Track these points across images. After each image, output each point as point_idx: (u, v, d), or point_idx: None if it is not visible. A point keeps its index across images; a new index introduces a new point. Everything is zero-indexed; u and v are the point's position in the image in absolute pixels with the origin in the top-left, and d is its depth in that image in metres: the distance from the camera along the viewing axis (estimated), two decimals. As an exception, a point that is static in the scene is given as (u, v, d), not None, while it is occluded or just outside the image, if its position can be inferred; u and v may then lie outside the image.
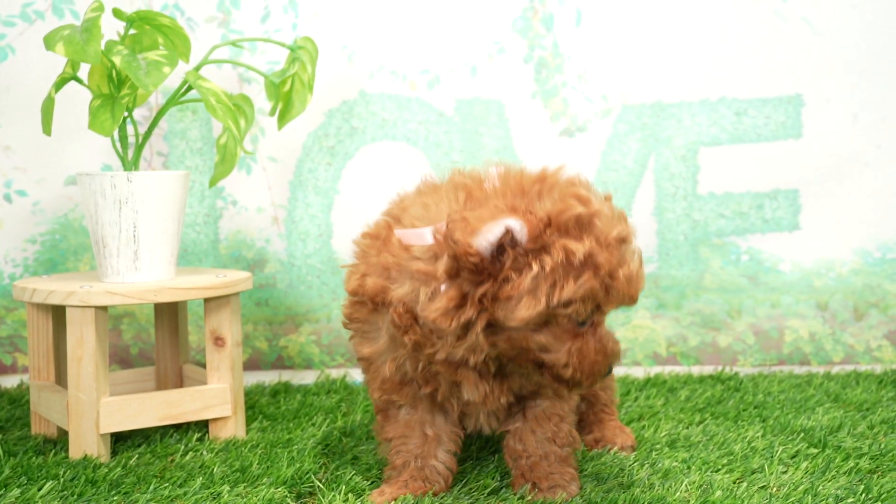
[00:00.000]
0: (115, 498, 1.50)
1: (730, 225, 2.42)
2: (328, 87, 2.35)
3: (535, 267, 1.26)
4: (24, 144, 2.29)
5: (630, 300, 1.34)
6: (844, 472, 1.60)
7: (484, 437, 1.72)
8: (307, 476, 1.59)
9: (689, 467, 1.63)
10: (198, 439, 1.83)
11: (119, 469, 1.64)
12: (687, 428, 1.87)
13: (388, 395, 1.51)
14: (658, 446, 1.76)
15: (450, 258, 1.28)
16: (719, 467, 1.63)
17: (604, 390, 1.79)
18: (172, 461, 1.71)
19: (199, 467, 1.65)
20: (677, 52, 2.38)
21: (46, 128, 1.84)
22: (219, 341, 1.85)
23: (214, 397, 1.84)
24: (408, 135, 2.37)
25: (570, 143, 2.39)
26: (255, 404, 2.08)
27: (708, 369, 2.38)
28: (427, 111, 2.37)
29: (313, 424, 1.92)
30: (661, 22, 2.38)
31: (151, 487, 1.54)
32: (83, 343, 1.72)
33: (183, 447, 1.77)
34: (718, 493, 1.49)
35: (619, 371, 2.37)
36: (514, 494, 1.50)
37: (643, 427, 1.88)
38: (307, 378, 2.33)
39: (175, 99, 1.91)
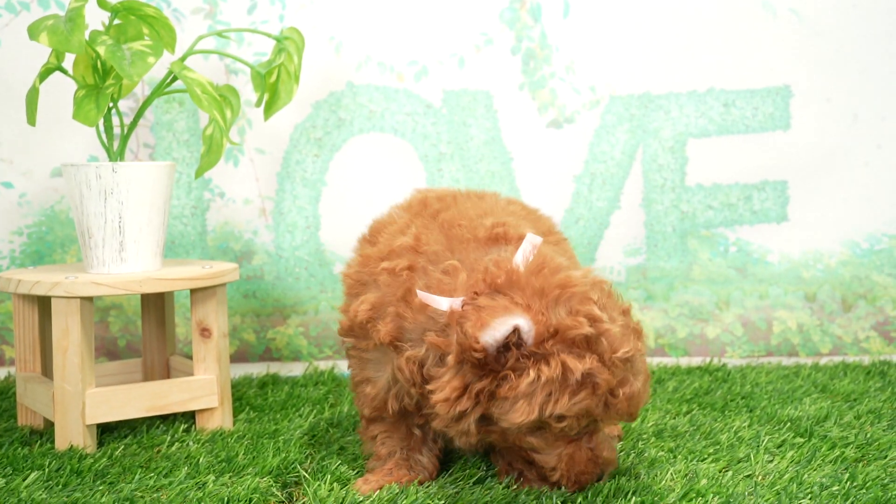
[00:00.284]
0: (101, 488, 1.50)
1: (718, 216, 2.42)
2: (315, 79, 2.34)
3: (533, 373, 1.27)
4: (9, 136, 2.29)
5: (629, 417, 1.35)
6: (830, 461, 1.60)
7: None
8: (293, 466, 1.59)
9: (675, 456, 1.63)
10: (184, 430, 1.82)
11: (105, 459, 1.64)
12: (674, 418, 1.87)
13: (379, 412, 1.52)
14: (644, 436, 1.76)
15: (457, 344, 1.30)
16: (705, 456, 1.63)
17: None
18: (158, 452, 1.70)
19: (185, 458, 1.65)
20: (665, 43, 2.38)
21: (31, 118, 1.83)
22: (205, 332, 1.85)
23: (201, 388, 1.83)
24: (395, 126, 2.37)
25: (558, 134, 2.39)
26: (243, 396, 2.07)
27: (696, 361, 2.39)
28: (415, 103, 2.37)
29: (300, 415, 1.92)
30: (650, 13, 2.38)
31: (136, 477, 1.54)
32: (68, 334, 1.72)
33: (169, 438, 1.77)
34: (704, 481, 1.49)
35: (607, 362, 2.37)
36: (500, 483, 1.50)
37: (630, 417, 1.88)
38: (295, 370, 2.33)
39: (160, 90, 1.90)
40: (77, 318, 1.72)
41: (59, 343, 1.72)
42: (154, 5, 1.97)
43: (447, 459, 1.61)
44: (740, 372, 2.23)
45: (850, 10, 2.38)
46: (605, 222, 2.41)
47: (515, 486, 1.48)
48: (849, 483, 1.48)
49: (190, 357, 2.18)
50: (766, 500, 1.41)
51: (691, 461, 1.60)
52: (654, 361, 2.37)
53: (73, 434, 1.72)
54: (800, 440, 1.71)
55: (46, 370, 1.90)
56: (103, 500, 1.43)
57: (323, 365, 2.34)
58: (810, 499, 1.42)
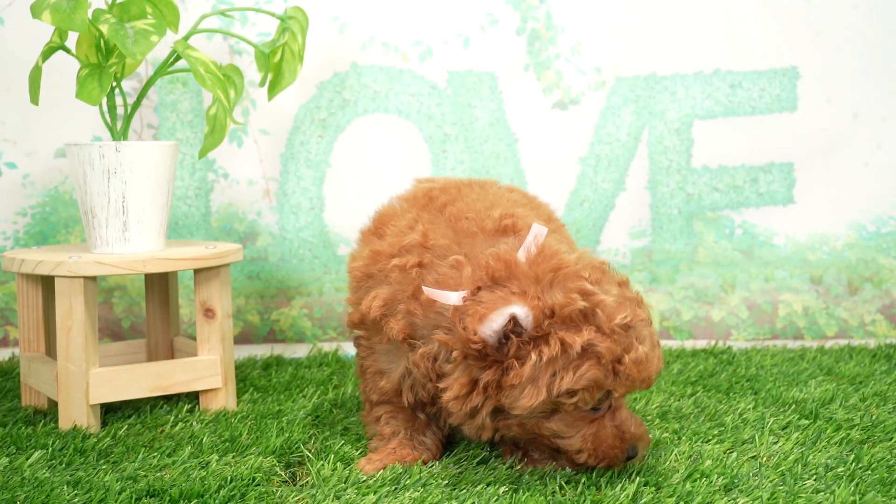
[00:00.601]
0: (104, 467, 1.50)
1: (724, 198, 2.41)
2: (319, 60, 2.33)
3: (534, 356, 1.29)
4: (13, 117, 2.28)
5: (643, 384, 1.36)
6: (835, 443, 1.59)
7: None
8: (296, 446, 1.59)
9: (679, 438, 1.62)
10: (188, 410, 1.82)
11: (108, 439, 1.64)
12: (678, 400, 1.87)
13: (388, 396, 1.54)
14: (649, 418, 1.75)
15: (459, 340, 1.31)
16: (710, 438, 1.62)
17: None
18: (162, 431, 1.70)
19: (189, 437, 1.65)
20: (671, 24, 2.37)
21: (34, 97, 1.83)
22: (209, 313, 1.85)
23: (205, 369, 1.83)
24: (400, 107, 2.36)
25: (563, 115, 2.38)
26: (247, 377, 2.07)
27: (701, 343, 2.38)
28: (419, 83, 2.36)
29: (304, 396, 1.91)
30: (656, -6, 2.37)
31: (140, 456, 1.54)
32: (72, 313, 1.71)
33: (173, 418, 1.77)
34: (708, 462, 1.48)
35: (611, 345, 2.36)
36: (504, 464, 1.50)
37: (634, 399, 1.87)
38: (299, 352, 2.33)
39: (163, 69, 1.89)
40: (80, 298, 1.71)
41: (62, 323, 1.72)
42: (157, -16, 1.96)
43: (451, 440, 1.61)
44: (745, 355, 2.23)
45: (858, -10, 2.37)
46: (611, 204, 2.40)
47: (519, 467, 1.48)
48: (854, 464, 1.48)
49: (194, 338, 2.18)
50: (771, 481, 1.41)
51: (696, 442, 1.60)
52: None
53: (76, 414, 1.71)
54: (805, 422, 1.70)
55: (50, 350, 1.90)
56: (107, 478, 1.43)
57: (327, 346, 2.34)
58: (815, 479, 1.42)
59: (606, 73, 2.38)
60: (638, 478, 1.41)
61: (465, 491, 1.38)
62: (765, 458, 1.52)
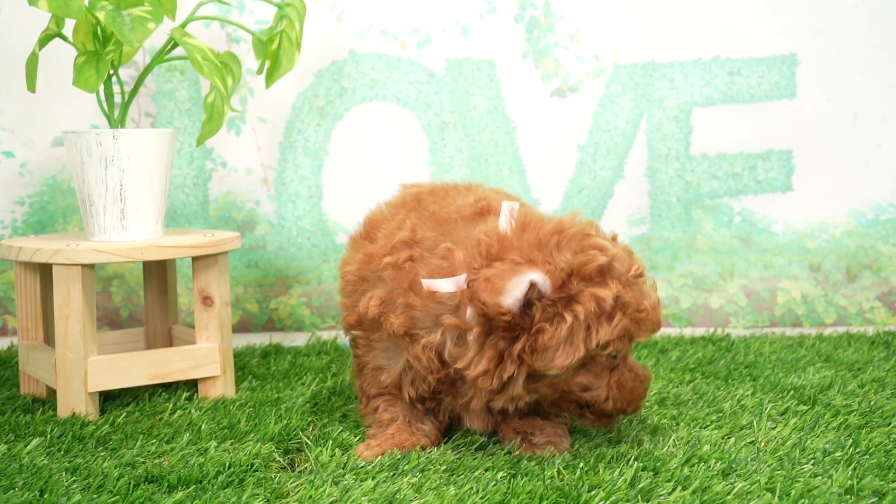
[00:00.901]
0: (102, 454, 1.50)
1: (722, 186, 2.41)
2: (317, 48, 2.33)
3: (570, 317, 1.32)
4: (10, 105, 2.28)
5: (657, 326, 1.42)
6: (833, 428, 1.59)
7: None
8: (295, 433, 1.59)
9: (677, 424, 1.62)
10: (187, 398, 1.82)
11: (107, 426, 1.64)
12: (677, 387, 1.87)
13: (387, 389, 1.54)
14: (647, 404, 1.75)
15: (480, 317, 1.33)
16: (708, 424, 1.62)
17: None
18: (160, 419, 1.70)
19: (188, 425, 1.65)
20: (670, 11, 2.36)
21: (31, 85, 1.82)
22: (207, 301, 1.85)
23: (203, 356, 1.83)
24: (398, 95, 2.36)
25: (562, 103, 2.37)
26: (246, 365, 2.07)
27: (700, 331, 2.38)
28: (417, 71, 2.35)
29: (303, 384, 1.91)
30: (654, -19, 2.36)
31: (138, 444, 1.54)
32: (70, 301, 1.71)
33: (171, 406, 1.77)
34: (706, 447, 1.49)
35: (610, 332, 2.36)
36: (503, 449, 1.50)
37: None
38: (298, 340, 2.33)
39: (161, 56, 1.89)
40: (78, 286, 1.71)
41: (60, 311, 1.72)
42: (154, -28, 1.95)
43: (449, 427, 1.61)
44: (744, 342, 2.23)
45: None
46: (609, 192, 2.40)
47: (518, 452, 1.48)
48: (852, 449, 1.48)
49: (192, 326, 2.18)
50: (769, 466, 1.41)
51: (694, 428, 1.60)
52: (658, 332, 2.36)
53: (74, 401, 1.71)
54: (803, 408, 1.71)
55: (48, 338, 1.90)
56: (105, 465, 1.43)
57: (325, 335, 2.34)
58: (813, 464, 1.42)
59: (605, 61, 2.37)
60: (636, 463, 1.41)
61: (463, 476, 1.38)
62: (763, 444, 1.52)
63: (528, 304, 1.33)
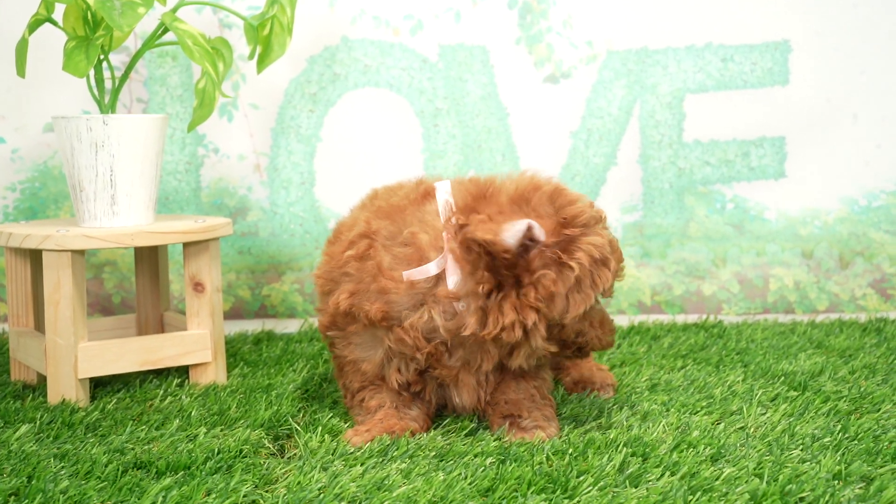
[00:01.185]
0: (91, 440, 1.50)
1: (715, 173, 2.40)
2: (310, 33, 2.32)
3: (576, 266, 1.37)
4: (2, 91, 2.27)
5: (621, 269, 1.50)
6: (823, 414, 1.60)
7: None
8: (285, 419, 1.59)
9: (667, 409, 1.63)
10: (178, 385, 1.82)
11: (97, 413, 1.64)
12: (668, 373, 1.87)
13: (370, 381, 1.55)
14: (638, 390, 1.76)
15: (480, 257, 1.35)
16: (698, 409, 1.63)
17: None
18: (151, 405, 1.70)
19: (178, 411, 1.65)
20: (663, -3, 2.36)
21: (20, 70, 1.82)
22: (198, 287, 1.84)
23: (194, 343, 1.83)
24: (391, 81, 2.35)
25: (555, 89, 2.37)
26: (237, 352, 2.07)
27: (692, 318, 2.38)
28: (410, 57, 2.35)
29: (294, 370, 1.91)
30: (648, -34, 2.36)
31: (128, 430, 1.54)
32: (60, 287, 1.71)
33: (162, 392, 1.77)
34: (696, 433, 1.49)
35: (603, 319, 2.37)
36: (492, 435, 1.50)
37: (624, 373, 1.88)
38: (290, 327, 2.33)
39: (151, 42, 1.88)
40: (69, 272, 1.71)
41: (50, 297, 1.71)
42: (144, -44, 1.94)
43: (438, 413, 1.61)
44: (736, 329, 2.23)
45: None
46: (602, 179, 2.39)
47: (507, 438, 1.48)
48: (841, 434, 1.48)
49: (184, 313, 2.18)
50: (758, 451, 1.41)
51: (684, 414, 1.60)
52: (651, 319, 2.37)
53: (65, 388, 1.71)
54: (793, 394, 1.71)
55: (39, 325, 1.90)
56: (94, 451, 1.43)
57: (317, 322, 2.34)
58: (802, 450, 1.42)
59: (598, 47, 2.36)
60: (625, 448, 1.41)
61: (452, 462, 1.38)
62: (752, 429, 1.53)
63: (524, 248, 1.35)
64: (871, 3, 2.36)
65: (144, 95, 2.31)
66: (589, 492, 1.28)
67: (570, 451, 1.41)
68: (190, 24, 1.98)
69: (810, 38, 2.37)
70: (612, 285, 1.43)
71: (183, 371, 1.90)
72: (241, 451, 1.44)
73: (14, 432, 1.52)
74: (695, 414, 1.60)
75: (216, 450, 1.43)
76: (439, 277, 1.40)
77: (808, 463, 1.37)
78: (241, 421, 1.58)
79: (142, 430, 1.54)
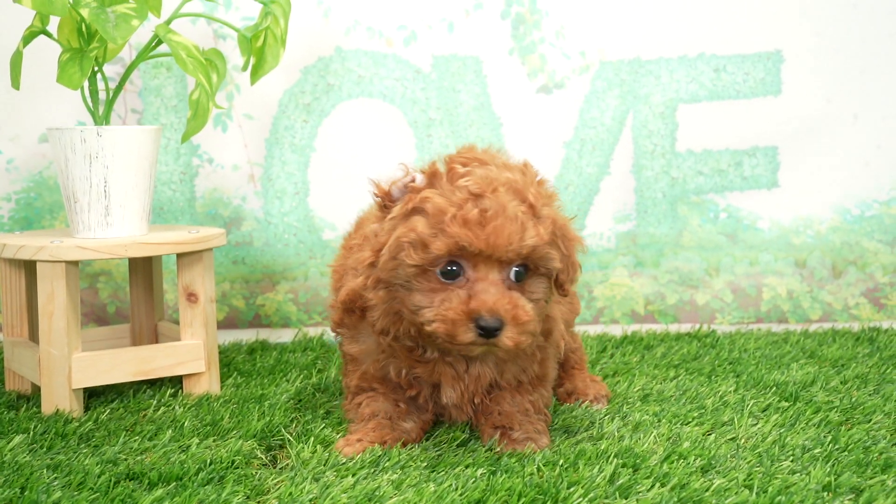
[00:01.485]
0: (85, 450, 1.50)
1: (708, 182, 2.41)
2: (304, 44, 2.33)
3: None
4: (-3, 102, 2.28)
5: None
6: (814, 425, 1.60)
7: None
8: (278, 429, 1.59)
9: (659, 420, 1.63)
10: (171, 395, 1.82)
11: (90, 423, 1.64)
12: (661, 383, 1.88)
13: (369, 383, 1.56)
14: (630, 400, 1.76)
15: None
16: (689, 420, 1.63)
17: (573, 352, 1.80)
18: (144, 416, 1.70)
19: (171, 421, 1.65)
20: (656, 8, 2.37)
21: (15, 82, 1.82)
22: (192, 297, 1.85)
23: (188, 353, 1.83)
24: (384, 92, 2.36)
25: (548, 99, 2.38)
26: (231, 362, 2.07)
27: (685, 327, 2.39)
28: (404, 68, 2.35)
29: (287, 380, 1.92)
30: (641, -23, 2.37)
31: (121, 440, 1.54)
32: (54, 298, 1.72)
33: (156, 402, 1.77)
34: (686, 444, 1.49)
35: (596, 329, 2.37)
36: (483, 446, 1.50)
37: (617, 382, 1.88)
38: (284, 336, 2.33)
39: (145, 53, 1.89)
40: (62, 283, 1.71)
41: (44, 307, 1.72)
42: (139, -32, 1.95)
43: (434, 423, 1.61)
44: (729, 338, 2.23)
45: (842, -26, 2.37)
46: (595, 188, 2.40)
47: (498, 449, 1.49)
48: (831, 445, 1.49)
49: (178, 323, 2.18)
50: (748, 462, 1.42)
51: (675, 425, 1.60)
52: (644, 328, 2.37)
53: (59, 398, 1.72)
54: (785, 404, 1.71)
55: (33, 335, 1.90)
56: (87, 462, 1.43)
57: (312, 331, 2.35)
58: (792, 461, 1.43)
59: (591, 58, 2.37)
60: (616, 459, 1.42)
61: (443, 473, 1.39)
62: (743, 440, 1.53)
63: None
64: (861, 10, 2.37)
65: (139, 106, 2.32)
66: (579, 503, 1.28)
67: (561, 462, 1.41)
68: (184, 35, 1.99)
69: (803, 49, 2.38)
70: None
71: (177, 381, 1.90)
72: (233, 461, 1.44)
73: (7, 443, 1.53)
74: (686, 424, 1.61)
75: (208, 461, 1.43)
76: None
77: (799, 474, 1.37)
78: (234, 431, 1.58)
79: (135, 441, 1.54)
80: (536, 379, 1.56)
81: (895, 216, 2.41)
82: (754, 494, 1.30)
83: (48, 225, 2.31)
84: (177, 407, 1.74)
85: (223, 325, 2.37)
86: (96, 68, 1.85)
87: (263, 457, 1.49)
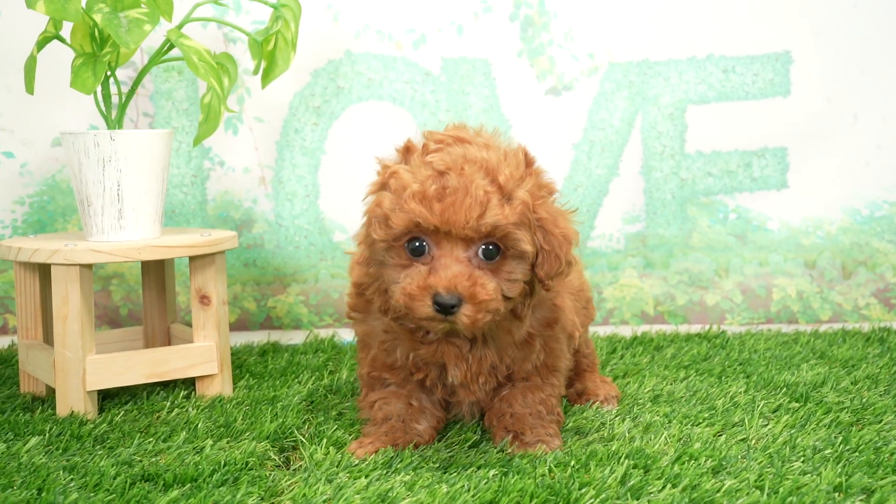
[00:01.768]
0: (100, 452, 1.51)
1: (717, 183, 2.42)
2: (314, 47, 2.34)
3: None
4: (10, 106, 2.29)
5: None
6: (824, 425, 1.61)
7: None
8: (290, 431, 1.61)
9: (670, 421, 1.64)
10: (184, 397, 1.84)
11: (105, 425, 1.65)
12: (671, 384, 1.88)
13: (379, 372, 1.56)
14: (641, 401, 1.77)
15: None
16: (700, 421, 1.64)
17: (586, 356, 1.80)
18: (158, 417, 1.72)
19: (184, 423, 1.66)
20: (664, 9, 2.37)
21: (29, 87, 1.84)
22: (204, 300, 1.86)
23: (200, 355, 1.85)
24: (394, 94, 2.37)
25: (557, 101, 2.38)
26: (243, 363, 2.09)
27: (695, 328, 2.39)
28: (413, 71, 2.37)
29: (299, 382, 1.93)
30: (649, -21, 2.37)
31: (135, 442, 1.56)
32: (68, 301, 1.73)
33: (169, 404, 1.78)
34: (697, 445, 1.50)
35: (606, 330, 2.38)
36: (495, 448, 1.51)
37: (627, 383, 1.89)
38: (296, 338, 2.34)
39: (157, 58, 1.90)
40: (77, 286, 1.73)
41: (59, 310, 1.73)
42: (151, -27, 1.96)
43: (443, 425, 1.62)
44: (739, 339, 2.24)
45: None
46: (605, 190, 2.41)
47: (510, 450, 1.50)
48: (842, 446, 1.49)
49: (191, 325, 2.20)
50: (759, 463, 1.42)
51: (686, 426, 1.61)
52: (654, 329, 2.38)
53: (73, 400, 1.73)
54: (795, 405, 1.72)
55: (48, 338, 1.92)
56: (102, 463, 1.45)
57: (323, 333, 2.36)
58: (802, 461, 1.43)
59: (599, 59, 2.38)
60: (627, 461, 1.42)
61: (455, 474, 1.40)
62: (754, 441, 1.54)
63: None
64: (873, 11, 2.37)
65: (150, 109, 2.34)
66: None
67: (573, 463, 1.42)
68: (195, 39, 2.00)
69: (812, 50, 2.38)
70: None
71: (189, 383, 1.92)
72: (247, 463, 1.45)
73: (24, 444, 1.54)
74: (697, 425, 1.62)
75: (222, 462, 1.45)
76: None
77: (809, 475, 1.38)
78: (247, 433, 1.60)
79: (149, 443, 1.55)
80: (545, 368, 1.55)
81: (905, 216, 2.41)
82: (765, 495, 1.30)
83: (61, 228, 2.32)
84: (190, 409, 1.76)
85: (234, 327, 2.38)
86: (109, 73, 1.86)
87: (277, 458, 1.50)
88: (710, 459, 1.44)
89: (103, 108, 1.88)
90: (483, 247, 1.35)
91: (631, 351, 2.15)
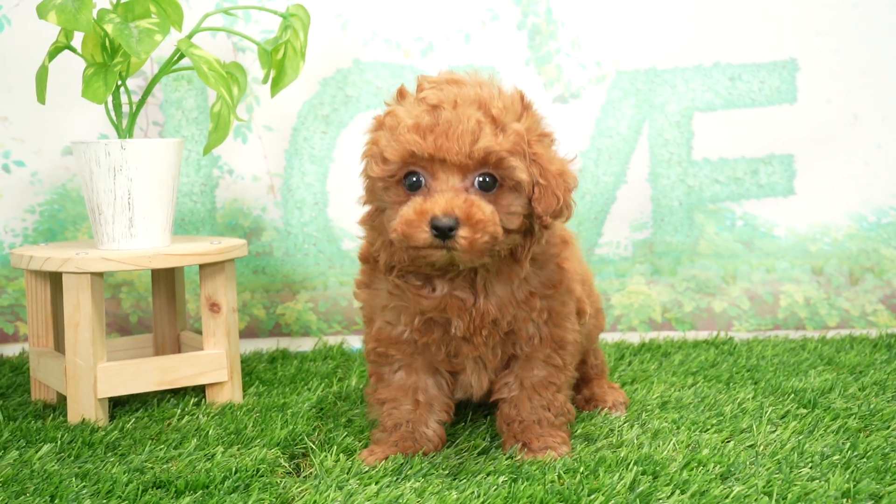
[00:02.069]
0: (111, 459, 1.52)
1: (724, 190, 2.42)
2: (322, 56, 2.35)
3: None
4: (22, 115, 2.31)
5: None
6: (832, 431, 1.61)
7: (477, 403, 1.73)
8: (300, 438, 1.62)
9: (678, 427, 1.65)
10: (195, 404, 1.85)
11: (116, 432, 1.67)
12: (679, 391, 1.89)
13: (384, 347, 1.54)
14: (649, 408, 1.78)
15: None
16: (708, 427, 1.64)
17: (594, 366, 1.81)
18: (169, 424, 1.73)
19: (195, 430, 1.67)
20: (671, 17, 2.38)
21: (41, 96, 1.85)
22: (214, 307, 1.87)
23: (210, 362, 1.86)
24: (402, 103, 2.38)
25: (564, 109, 2.39)
26: (253, 371, 2.10)
27: (703, 335, 2.40)
28: (421, 79, 2.37)
29: (309, 389, 1.94)
30: (656, -13, 2.38)
31: (147, 449, 1.57)
32: (80, 309, 1.74)
33: (180, 411, 1.79)
34: (706, 451, 1.51)
35: (613, 336, 2.39)
36: (504, 455, 1.52)
37: (635, 390, 1.90)
38: (305, 345, 2.35)
39: (167, 67, 1.92)
40: (88, 294, 1.74)
41: (70, 318, 1.75)
42: (161, -17, 1.98)
43: (452, 432, 1.63)
44: (747, 345, 2.24)
45: (857, -18, 2.38)
46: (612, 197, 2.42)
47: (519, 457, 1.50)
48: (850, 452, 1.50)
49: (201, 332, 2.21)
50: (767, 469, 1.43)
51: (694, 432, 1.62)
52: (661, 336, 2.39)
53: (84, 407, 1.74)
54: (803, 411, 1.72)
55: (59, 345, 1.93)
56: (114, 470, 1.46)
57: (332, 340, 2.37)
58: (811, 467, 1.44)
59: (607, 67, 2.39)
60: (636, 467, 1.43)
61: (465, 481, 1.41)
62: (762, 447, 1.54)
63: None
64: (876, 17, 2.38)
65: (160, 118, 2.35)
66: (600, 510, 1.30)
67: (582, 469, 1.43)
68: (205, 49, 2.02)
69: (818, 57, 2.39)
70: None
71: (199, 390, 1.93)
72: (257, 470, 1.46)
73: (36, 452, 1.56)
74: (705, 432, 1.62)
75: (233, 469, 1.46)
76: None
77: (818, 481, 1.38)
78: (258, 440, 1.61)
79: (160, 450, 1.56)
80: (551, 342, 1.54)
81: (912, 223, 2.41)
82: (774, 501, 1.31)
83: (71, 236, 2.34)
84: (200, 416, 1.77)
85: (244, 334, 2.39)
86: (120, 83, 1.88)
87: (287, 465, 1.51)
88: (719, 466, 1.44)
89: (114, 118, 1.89)
90: (479, 178, 1.37)
91: (639, 357, 2.16)
